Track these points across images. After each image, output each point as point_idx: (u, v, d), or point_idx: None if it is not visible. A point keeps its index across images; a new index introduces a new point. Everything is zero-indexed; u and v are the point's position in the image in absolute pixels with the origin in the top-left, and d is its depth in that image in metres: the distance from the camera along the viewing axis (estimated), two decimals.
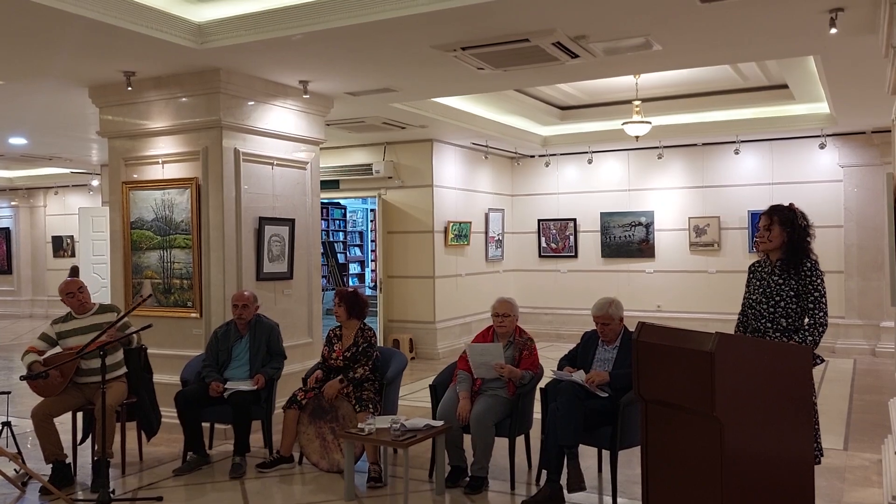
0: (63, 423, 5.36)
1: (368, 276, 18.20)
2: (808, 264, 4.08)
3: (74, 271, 13.62)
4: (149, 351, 5.81)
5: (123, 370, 5.57)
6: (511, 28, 5.29)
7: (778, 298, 4.07)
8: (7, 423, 5.52)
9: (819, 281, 4.04)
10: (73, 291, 5.52)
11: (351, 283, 17.45)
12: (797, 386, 3.48)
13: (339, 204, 17.65)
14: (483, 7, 4.80)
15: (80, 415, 5.56)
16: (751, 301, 4.18)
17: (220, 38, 5.63)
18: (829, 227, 10.45)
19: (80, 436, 5.58)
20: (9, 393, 5.85)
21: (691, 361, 3.35)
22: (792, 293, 4.06)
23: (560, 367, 5.19)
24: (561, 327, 12.23)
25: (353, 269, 18.34)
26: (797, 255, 4.12)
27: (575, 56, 5.94)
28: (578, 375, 4.91)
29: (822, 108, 9.33)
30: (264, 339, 5.81)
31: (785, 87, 8.91)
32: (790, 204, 4.22)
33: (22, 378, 5.19)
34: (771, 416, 3.35)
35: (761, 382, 3.36)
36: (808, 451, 3.54)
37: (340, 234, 18.35)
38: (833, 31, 4.95)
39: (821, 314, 4.00)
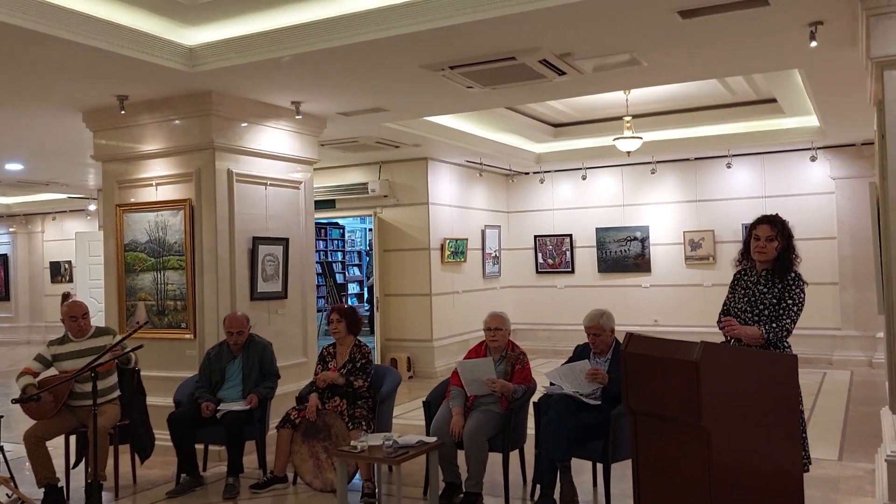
0: (56, 446, 5.37)
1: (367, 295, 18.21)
2: (793, 275, 4.11)
3: (66, 298, 13.68)
4: (143, 373, 5.81)
5: (117, 393, 5.58)
6: (497, 46, 5.36)
7: (762, 307, 4.09)
8: None
9: (798, 291, 4.05)
10: (77, 316, 5.52)
11: (350, 303, 17.44)
12: (783, 394, 3.50)
13: (337, 224, 17.70)
14: (468, 27, 4.87)
15: (73, 438, 5.55)
16: (735, 309, 4.21)
17: (211, 61, 5.70)
18: (822, 239, 10.51)
19: (73, 459, 5.58)
20: (1, 417, 5.84)
21: (677, 371, 3.37)
22: (775, 301, 4.08)
23: (553, 383, 5.21)
24: (559, 343, 12.21)
25: (352, 288, 18.35)
26: (786, 265, 4.14)
27: (562, 73, 6.00)
28: (582, 365, 4.92)
29: (812, 121, 9.40)
30: (257, 358, 5.82)
31: (774, 101, 8.99)
32: (777, 214, 4.25)
33: (14, 401, 5.20)
34: (758, 425, 3.37)
35: (747, 391, 3.38)
36: (796, 460, 3.56)
37: (339, 254, 18.39)
38: (813, 44, 5.01)
39: (788, 321, 4.01)
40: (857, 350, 10.47)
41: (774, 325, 4.01)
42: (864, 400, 8.25)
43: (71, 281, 16.08)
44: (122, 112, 6.53)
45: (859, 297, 10.42)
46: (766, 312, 4.08)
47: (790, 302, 4.04)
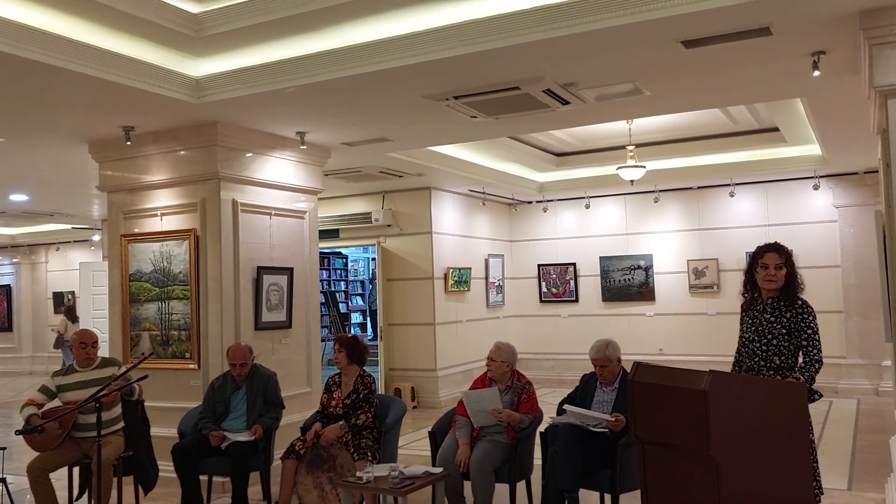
0: (59, 478, 5.32)
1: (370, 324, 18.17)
2: (800, 302, 4.10)
3: (71, 312, 13.90)
4: (147, 403, 5.78)
5: (121, 424, 5.54)
6: (501, 77, 5.40)
7: (770, 336, 4.08)
8: (2, 480, 5.46)
9: (811, 318, 4.06)
10: (87, 343, 5.50)
11: (353, 332, 17.38)
12: (793, 423, 3.46)
13: (340, 253, 17.72)
14: (472, 57, 4.91)
15: (76, 469, 5.51)
16: (744, 340, 4.20)
17: (216, 92, 5.74)
18: (826, 268, 10.49)
19: (76, 491, 5.53)
20: (4, 449, 5.80)
21: (686, 400, 3.35)
22: (784, 331, 4.07)
23: (560, 413, 5.17)
24: (563, 372, 12.16)
25: (355, 318, 18.32)
26: (792, 293, 4.14)
27: (566, 102, 6.04)
28: (601, 416, 4.87)
29: (814, 149, 9.43)
30: (262, 388, 5.78)
31: (776, 129, 9.03)
32: (776, 242, 4.26)
33: (17, 433, 5.16)
34: (768, 454, 3.33)
35: (757, 420, 3.34)
36: (807, 490, 3.51)
37: (342, 283, 18.39)
38: (816, 73, 5.05)
39: (815, 351, 4.01)
40: (863, 378, 10.41)
41: (803, 359, 4.01)
42: (871, 428, 8.18)
43: None
44: (128, 143, 6.56)
45: (864, 325, 10.38)
46: (775, 342, 4.06)
47: (810, 332, 4.03)
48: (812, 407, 3.80)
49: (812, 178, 10.27)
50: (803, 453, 3.52)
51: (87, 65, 4.97)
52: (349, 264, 18.57)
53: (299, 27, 5.12)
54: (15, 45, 4.55)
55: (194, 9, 5.05)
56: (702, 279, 11.43)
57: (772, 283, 4.16)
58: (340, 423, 5.47)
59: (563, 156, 11.05)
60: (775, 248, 4.21)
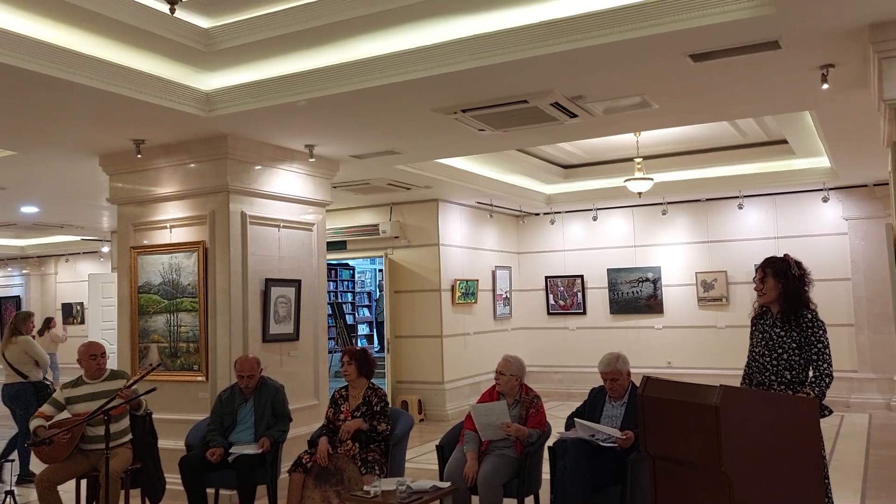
0: (67, 490, 5.32)
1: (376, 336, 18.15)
2: (809, 315, 4.08)
3: (49, 322, 13.98)
4: (154, 416, 5.78)
5: (129, 436, 5.54)
6: (509, 90, 5.41)
7: (780, 351, 4.05)
8: (10, 493, 5.47)
9: (821, 332, 4.03)
10: (97, 355, 5.49)
11: (359, 344, 17.37)
12: (805, 438, 3.44)
13: (347, 265, 17.73)
14: (480, 71, 4.93)
15: (84, 482, 5.50)
16: (754, 354, 4.18)
17: (226, 105, 5.77)
18: (836, 280, 10.42)
19: (84, 503, 5.52)
20: (13, 461, 5.82)
21: (697, 415, 3.33)
22: (794, 345, 4.05)
23: (568, 427, 5.15)
24: (572, 385, 12.11)
25: (362, 330, 18.31)
26: (795, 305, 4.12)
27: (573, 116, 6.05)
28: (610, 430, 4.84)
29: (823, 162, 9.40)
30: (269, 401, 5.77)
31: (785, 142, 9.01)
32: (784, 255, 4.24)
33: (26, 445, 5.16)
34: (780, 470, 3.31)
35: (768, 435, 3.33)
36: None
37: (349, 295, 18.38)
38: (825, 86, 5.04)
39: (825, 365, 3.98)
40: (875, 393, 10.33)
41: (813, 373, 3.98)
42: (884, 444, 8.10)
43: (83, 322, 16.10)
44: (139, 156, 6.60)
45: (875, 339, 10.30)
46: (785, 356, 4.04)
47: (820, 346, 4.00)
48: (823, 422, 3.78)
49: (821, 190, 10.23)
50: (815, 469, 3.49)
51: (99, 79, 5.01)
52: (356, 276, 18.57)
53: (309, 41, 5.14)
54: (27, 60, 4.58)
55: (205, 23, 5.08)
56: (710, 292, 11.38)
57: (759, 297, 4.19)
58: (362, 418, 5.47)
59: (570, 168, 11.05)
60: (761, 263, 4.24)
